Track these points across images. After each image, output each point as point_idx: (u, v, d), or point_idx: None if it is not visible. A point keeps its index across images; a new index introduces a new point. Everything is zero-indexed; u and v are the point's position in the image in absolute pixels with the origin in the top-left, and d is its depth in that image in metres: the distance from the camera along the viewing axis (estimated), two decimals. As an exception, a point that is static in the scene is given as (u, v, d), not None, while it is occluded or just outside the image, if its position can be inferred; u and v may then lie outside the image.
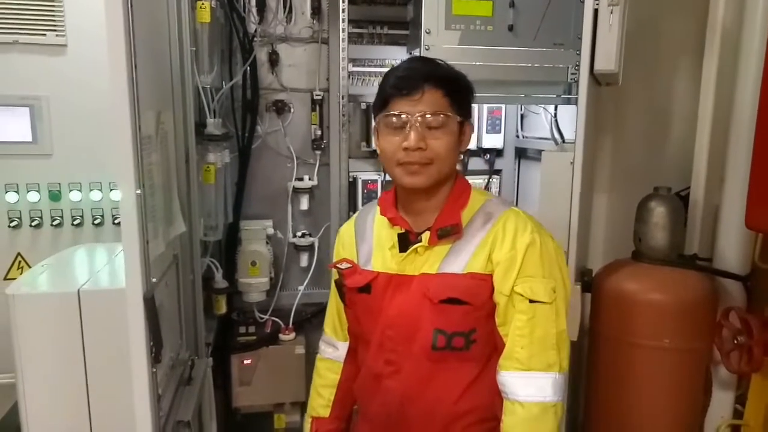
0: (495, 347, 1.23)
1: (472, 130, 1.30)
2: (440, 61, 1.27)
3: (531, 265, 1.19)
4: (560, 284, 1.22)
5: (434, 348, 1.21)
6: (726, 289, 1.66)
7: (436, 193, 1.25)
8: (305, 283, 2.56)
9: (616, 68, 1.50)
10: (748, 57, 1.54)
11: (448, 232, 1.23)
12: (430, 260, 1.24)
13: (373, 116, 1.27)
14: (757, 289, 1.63)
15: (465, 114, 1.25)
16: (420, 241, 1.24)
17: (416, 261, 1.24)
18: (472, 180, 2.65)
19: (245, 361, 2.41)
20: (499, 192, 2.79)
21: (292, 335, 2.47)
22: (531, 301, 1.17)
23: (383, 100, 1.22)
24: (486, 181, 2.74)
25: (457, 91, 1.22)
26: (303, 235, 2.56)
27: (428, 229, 1.24)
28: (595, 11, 1.49)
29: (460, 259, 1.22)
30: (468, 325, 1.21)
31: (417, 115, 1.17)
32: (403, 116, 1.18)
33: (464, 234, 1.23)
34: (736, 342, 1.49)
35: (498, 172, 2.77)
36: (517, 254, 1.19)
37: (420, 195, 1.25)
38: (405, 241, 1.27)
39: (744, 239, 1.62)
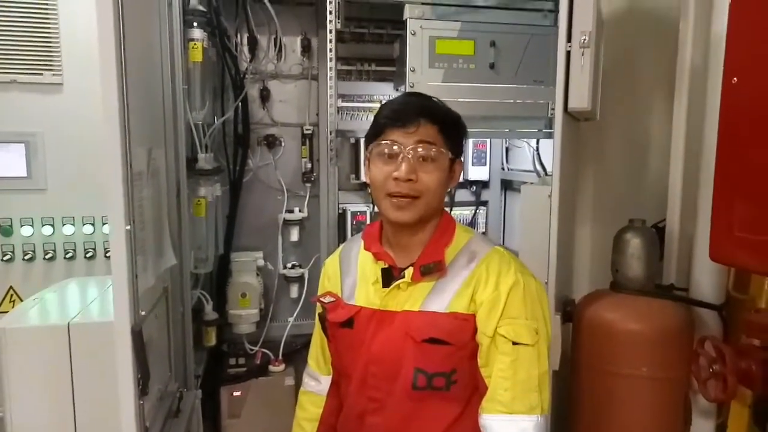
0: (476, 388, 1.22)
1: (462, 166, 1.31)
2: (436, 99, 1.28)
3: (514, 306, 1.18)
4: (542, 325, 1.21)
5: (414, 387, 1.20)
6: (702, 319, 1.70)
7: (422, 229, 1.25)
8: (295, 314, 2.57)
9: (588, 106, 1.57)
10: (714, 95, 1.60)
11: (431, 269, 1.22)
12: (413, 297, 1.23)
13: (365, 146, 1.27)
14: (732, 318, 1.67)
15: (457, 152, 1.25)
16: (403, 276, 1.24)
17: (399, 297, 1.24)
18: (459, 211, 2.79)
19: (235, 393, 2.41)
20: (486, 223, 2.85)
21: (282, 367, 2.48)
22: (514, 343, 1.17)
23: (377, 130, 1.22)
24: (473, 212, 2.80)
25: (451, 128, 1.23)
26: (293, 267, 2.60)
27: (412, 265, 1.24)
28: (568, 53, 1.56)
29: (444, 298, 1.22)
30: (449, 366, 1.20)
31: (410, 146, 1.17)
32: (395, 146, 1.18)
33: (448, 272, 1.23)
34: (711, 370, 1.52)
35: (485, 203, 2.84)
36: (500, 295, 1.19)
37: (406, 230, 1.25)
38: (388, 276, 1.26)
39: (718, 269, 1.66)
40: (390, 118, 1.20)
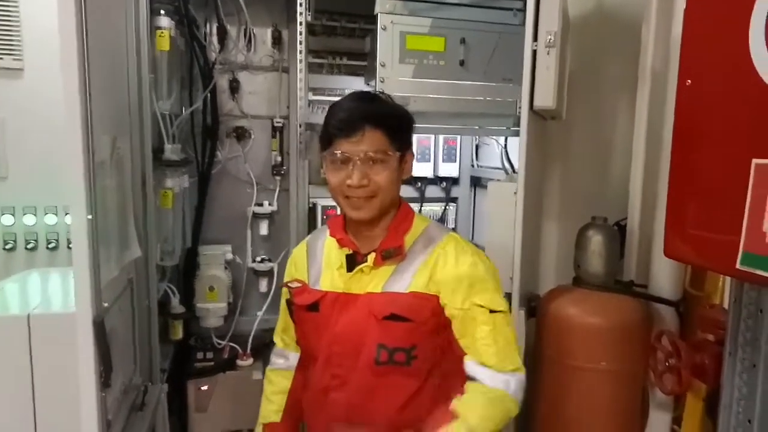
0: (436, 364, 1.32)
1: (413, 157, 1.39)
2: (380, 94, 1.36)
3: (481, 280, 1.29)
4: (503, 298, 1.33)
5: (377, 362, 1.29)
6: (660, 314, 1.75)
7: (381, 220, 1.34)
8: (264, 309, 2.57)
9: (553, 105, 1.60)
10: (674, 97, 1.65)
11: (392, 253, 1.31)
12: (375, 280, 1.32)
13: (320, 148, 1.34)
14: (689, 313, 1.72)
15: (405, 147, 1.34)
16: (366, 261, 1.32)
17: (362, 280, 1.33)
18: (429, 207, 2.81)
19: (202, 387, 2.40)
20: (456, 219, 2.88)
21: (250, 361, 2.48)
22: (491, 311, 1.27)
23: (328, 138, 1.30)
24: (443, 208, 2.83)
25: (396, 127, 1.31)
26: (262, 260, 2.59)
27: (374, 251, 1.33)
28: (534, 52, 1.59)
29: (404, 280, 1.31)
30: (409, 342, 1.29)
31: (358, 154, 1.25)
32: (346, 155, 1.27)
33: (407, 256, 1.33)
34: (667, 364, 1.57)
35: (455, 199, 2.87)
36: (463, 273, 1.29)
37: (366, 224, 1.34)
38: (352, 262, 1.34)
39: (676, 266, 1.71)
40: (337, 128, 1.27)
